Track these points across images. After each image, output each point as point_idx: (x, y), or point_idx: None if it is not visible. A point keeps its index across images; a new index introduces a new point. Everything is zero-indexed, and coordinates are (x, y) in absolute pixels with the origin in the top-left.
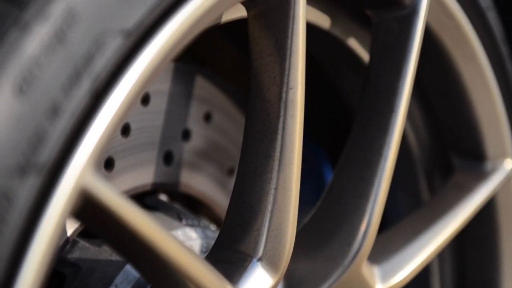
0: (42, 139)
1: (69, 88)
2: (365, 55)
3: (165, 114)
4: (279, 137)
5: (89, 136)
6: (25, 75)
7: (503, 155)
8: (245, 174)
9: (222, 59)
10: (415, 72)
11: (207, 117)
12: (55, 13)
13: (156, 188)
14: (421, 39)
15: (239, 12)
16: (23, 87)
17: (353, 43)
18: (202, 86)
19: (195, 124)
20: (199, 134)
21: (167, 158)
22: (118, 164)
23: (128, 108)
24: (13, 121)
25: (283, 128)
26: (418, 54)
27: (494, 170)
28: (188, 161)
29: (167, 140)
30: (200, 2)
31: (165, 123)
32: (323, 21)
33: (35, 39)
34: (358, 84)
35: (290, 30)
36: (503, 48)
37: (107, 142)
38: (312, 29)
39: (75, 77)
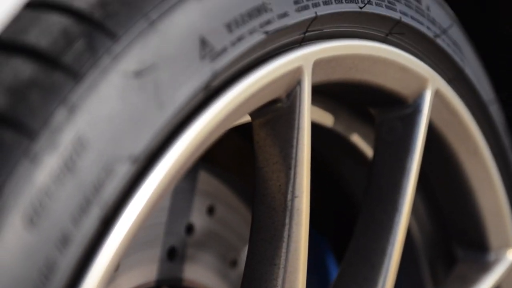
0: (52, 269)
1: (78, 217)
2: (368, 150)
3: (169, 210)
4: (284, 245)
5: (98, 262)
6: (35, 206)
7: (506, 245)
8: (251, 281)
9: (224, 149)
10: (418, 170)
11: (210, 210)
12: (65, 142)
13: (159, 284)
14: (424, 137)
15: (243, 118)
16: (33, 219)
17: (356, 139)
18: (204, 179)
19: (198, 218)
20: (202, 227)
21: (171, 254)
22: (122, 264)
23: (137, 230)
24: (24, 253)
25: (289, 236)
26: (422, 152)
27: (497, 260)
28: (191, 254)
29: (171, 235)
30: (205, 123)
31: (168, 219)
32: (326, 119)
33: (45, 170)
34: (361, 176)
35: (295, 140)
36: (505, 140)
37: (116, 264)
38: (315, 127)
39: (84, 206)
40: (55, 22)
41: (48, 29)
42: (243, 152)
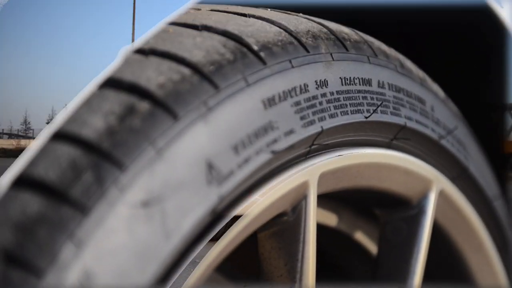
0: None
1: None
2: (371, 247)
3: None
4: None
5: None
6: None
7: None
8: None
9: None
10: (423, 270)
11: None
12: (72, 279)
13: None
14: (429, 237)
15: None
16: None
17: (360, 236)
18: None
19: None
20: None
21: None
22: None
23: None
24: None
25: None
26: (426, 252)
27: None
28: None
29: None
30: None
31: None
32: (329, 219)
33: None
34: (365, 272)
35: (300, 254)
36: (509, 233)
37: None
38: (318, 227)
39: None
40: (64, 153)
41: (57, 160)
42: (246, 249)
